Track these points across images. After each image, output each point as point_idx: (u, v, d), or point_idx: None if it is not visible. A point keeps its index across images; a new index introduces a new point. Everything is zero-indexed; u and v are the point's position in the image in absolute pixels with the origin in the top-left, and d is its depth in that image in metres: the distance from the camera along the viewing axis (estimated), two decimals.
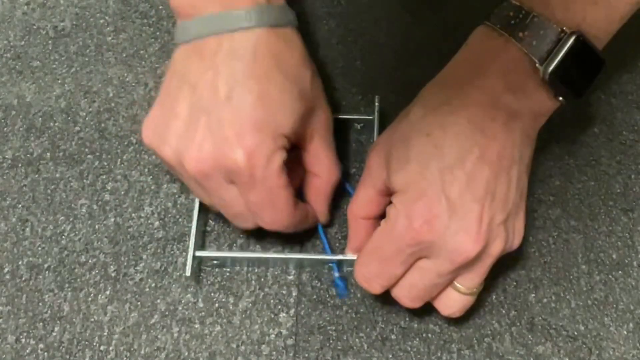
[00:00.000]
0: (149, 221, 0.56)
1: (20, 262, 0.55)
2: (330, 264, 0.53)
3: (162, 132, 0.48)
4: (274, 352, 0.52)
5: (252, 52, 0.46)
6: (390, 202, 0.47)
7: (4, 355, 0.52)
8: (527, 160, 0.48)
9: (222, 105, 0.46)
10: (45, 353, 0.52)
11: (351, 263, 0.53)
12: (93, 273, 0.55)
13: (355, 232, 0.52)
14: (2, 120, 0.61)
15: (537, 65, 0.45)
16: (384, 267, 0.48)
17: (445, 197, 0.44)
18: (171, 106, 0.48)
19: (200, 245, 0.55)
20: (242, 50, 0.46)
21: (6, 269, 0.55)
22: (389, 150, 0.48)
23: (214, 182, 0.48)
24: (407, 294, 0.48)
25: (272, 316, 0.53)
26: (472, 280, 0.48)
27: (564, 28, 0.44)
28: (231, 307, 0.53)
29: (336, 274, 0.53)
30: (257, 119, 0.46)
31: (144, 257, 0.55)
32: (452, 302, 0.49)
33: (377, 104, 0.57)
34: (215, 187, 0.48)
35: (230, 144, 0.46)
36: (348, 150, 0.58)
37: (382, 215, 0.49)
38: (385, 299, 0.53)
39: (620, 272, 0.54)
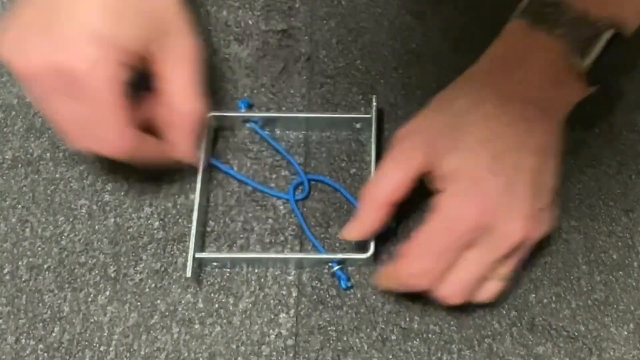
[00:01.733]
0: (149, 222, 0.56)
1: (20, 263, 0.55)
2: (331, 264, 0.53)
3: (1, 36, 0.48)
4: (274, 353, 0.52)
5: None
6: (433, 195, 0.48)
7: (4, 356, 0.52)
8: (560, 146, 0.50)
9: (66, 13, 0.46)
10: (45, 354, 0.52)
11: (352, 262, 0.53)
12: (93, 273, 0.55)
13: (368, 216, 0.50)
14: (2, 121, 0.61)
15: (575, 59, 0.46)
16: (438, 260, 0.47)
17: (496, 184, 0.46)
18: (20, 12, 0.48)
19: (200, 245, 0.55)
20: None
21: (6, 270, 0.55)
22: (431, 137, 0.48)
23: (45, 88, 0.47)
24: (454, 290, 0.48)
25: (272, 317, 0.53)
26: (509, 266, 0.48)
27: (601, 23, 0.46)
28: (231, 308, 0.53)
29: (335, 267, 0.53)
30: (98, 29, 0.46)
31: (144, 257, 0.55)
32: (488, 290, 0.49)
33: (375, 103, 0.57)
34: (46, 95, 0.47)
35: (67, 51, 0.45)
36: (347, 150, 0.58)
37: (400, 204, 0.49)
38: (386, 300, 0.53)
39: (620, 272, 0.54)
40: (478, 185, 0.46)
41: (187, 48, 0.51)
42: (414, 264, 0.48)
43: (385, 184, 0.49)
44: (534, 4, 0.48)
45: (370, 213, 0.50)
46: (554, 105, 0.48)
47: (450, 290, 0.48)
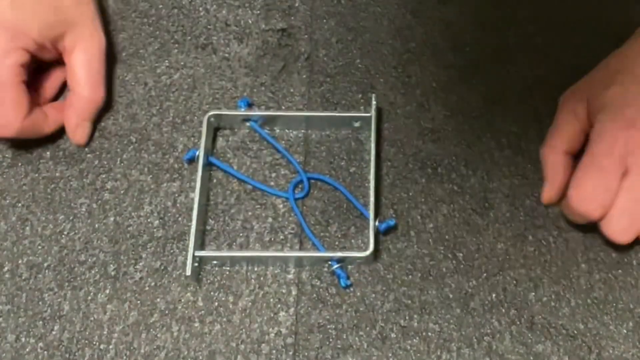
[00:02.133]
0: (149, 220, 0.56)
1: (20, 261, 0.55)
2: (330, 262, 0.53)
3: None
4: (274, 351, 0.52)
5: None
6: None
7: (4, 354, 0.52)
8: None
9: None
10: (45, 352, 0.52)
11: (352, 260, 0.53)
12: (93, 272, 0.55)
13: (555, 169, 0.54)
14: None
15: None
16: (599, 179, 0.50)
17: None
18: None
19: (200, 244, 0.55)
20: None
21: (6, 268, 0.55)
22: (589, 83, 0.53)
23: None
24: (620, 222, 0.50)
25: (272, 315, 0.53)
26: None
27: None
28: (231, 306, 0.53)
29: (335, 265, 0.53)
30: (2, 18, 0.53)
31: (144, 256, 0.55)
32: None
33: (374, 102, 0.57)
34: None
35: None
36: (347, 149, 0.58)
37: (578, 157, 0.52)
38: (385, 298, 0.53)
39: (620, 270, 0.54)
40: (626, 109, 0.49)
41: (91, 39, 0.58)
42: (578, 190, 0.50)
43: (561, 133, 0.54)
44: None
45: (556, 164, 0.54)
46: None
47: (619, 223, 0.50)
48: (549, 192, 0.54)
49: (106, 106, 0.61)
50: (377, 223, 0.54)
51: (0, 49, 0.53)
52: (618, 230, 0.50)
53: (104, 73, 0.59)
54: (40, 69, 0.58)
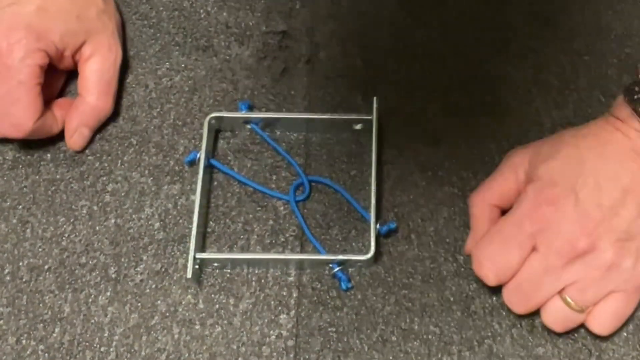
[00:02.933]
0: (150, 222, 0.56)
1: (20, 264, 0.55)
2: (331, 265, 0.54)
3: None
4: (275, 354, 0.52)
5: None
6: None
7: (5, 357, 0.52)
8: None
9: (6, 8, 0.55)
10: (46, 354, 0.52)
11: (352, 263, 0.53)
12: (93, 274, 0.55)
13: (480, 220, 0.53)
14: None
15: None
16: (501, 248, 0.49)
17: (574, 194, 0.48)
18: None
19: (201, 246, 0.55)
20: None
21: (6, 270, 0.55)
22: (536, 148, 0.52)
23: None
24: (516, 294, 0.49)
25: (273, 317, 0.53)
26: (581, 293, 0.48)
27: None
28: (232, 309, 0.53)
29: (336, 268, 0.53)
30: (27, 21, 0.55)
31: (145, 258, 0.55)
32: (554, 312, 0.49)
33: (375, 105, 0.57)
34: None
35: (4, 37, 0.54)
36: (348, 152, 0.58)
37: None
38: (386, 301, 0.53)
39: None
40: (554, 188, 0.48)
41: (108, 51, 0.59)
42: (480, 251, 0.50)
43: (495, 186, 0.53)
44: (632, 81, 0.50)
45: (482, 215, 0.53)
46: None
47: (511, 293, 0.50)
48: (469, 244, 0.53)
49: None
50: (377, 226, 0.54)
51: (25, 49, 0.54)
52: (513, 301, 0.50)
53: (115, 86, 0.60)
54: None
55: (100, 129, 0.60)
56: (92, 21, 0.58)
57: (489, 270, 0.49)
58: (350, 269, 0.54)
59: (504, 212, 0.52)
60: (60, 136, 0.59)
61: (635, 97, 0.49)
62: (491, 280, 0.49)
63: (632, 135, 0.49)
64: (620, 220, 0.48)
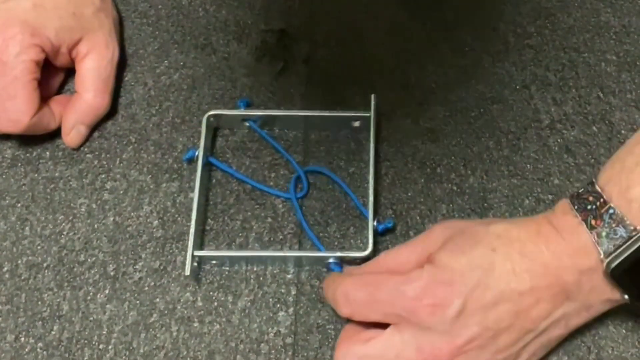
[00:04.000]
0: (148, 220, 0.56)
1: (19, 261, 0.55)
2: (331, 267, 0.53)
3: None
4: (273, 351, 0.52)
5: None
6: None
7: (3, 354, 0.52)
8: (545, 339, 0.47)
9: (1, 4, 0.55)
10: (45, 352, 0.52)
11: (350, 260, 0.53)
12: (92, 272, 0.55)
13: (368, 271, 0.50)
14: None
15: (601, 257, 0.44)
16: (367, 304, 0.47)
17: (463, 302, 0.45)
18: None
19: (199, 244, 0.55)
20: None
21: (5, 268, 0.55)
22: (454, 234, 0.48)
23: None
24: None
25: (271, 315, 0.53)
26: None
27: (638, 227, 0.43)
28: (230, 306, 0.53)
29: (331, 260, 0.53)
30: (22, 18, 0.55)
31: (143, 256, 0.55)
32: None
33: (373, 102, 0.57)
34: None
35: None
36: (346, 149, 0.58)
37: None
38: None
39: None
40: (446, 287, 0.45)
41: (105, 48, 0.59)
42: (349, 286, 0.48)
43: (399, 255, 0.50)
44: (583, 190, 0.46)
45: (371, 271, 0.51)
46: (570, 297, 0.45)
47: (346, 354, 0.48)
48: (332, 282, 0.50)
49: None
50: (375, 223, 0.54)
51: (20, 44, 0.54)
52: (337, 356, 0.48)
53: (112, 83, 0.59)
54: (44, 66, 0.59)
55: (99, 126, 0.60)
56: (89, 19, 0.58)
57: (345, 307, 0.48)
58: (349, 266, 0.54)
59: None
60: (58, 134, 0.59)
61: (589, 207, 0.44)
62: (341, 313, 0.48)
63: (564, 259, 0.45)
64: (493, 344, 0.45)
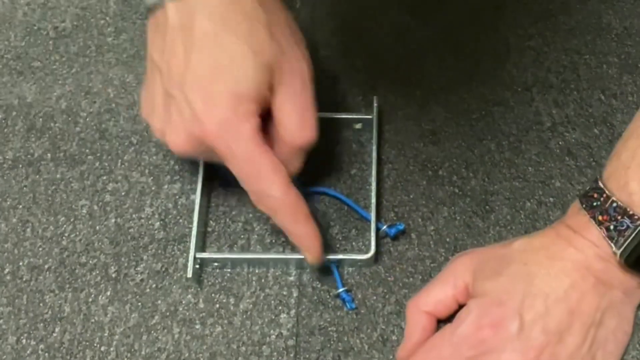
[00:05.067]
0: (150, 222, 0.56)
1: (20, 263, 0.55)
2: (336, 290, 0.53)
3: (150, 114, 0.50)
4: (275, 353, 0.52)
5: (192, 19, 0.46)
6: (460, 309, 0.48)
7: (5, 356, 0.52)
8: (607, 330, 0.47)
9: (182, 86, 0.46)
10: (46, 354, 0.52)
11: (353, 262, 0.53)
12: (94, 274, 0.55)
13: (413, 328, 0.50)
14: (3, 121, 0.61)
15: (613, 249, 0.46)
16: None
17: (519, 315, 0.46)
18: (151, 89, 0.49)
19: (201, 246, 0.55)
20: (185, 22, 0.46)
21: (7, 270, 0.55)
22: (482, 261, 0.49)
23: (207, 156, 0.50)
24: None
25: (273, 317, 0.53)
26: None
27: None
28: (232, 308, 0.53)
29: (340, 289, 0.53)
30: (214, 92, 0.46)
31: (145, 257, 0.55)
32: None
33: (375, 104, 0.57)
34: (211, 160, 0.50)
35: (196, 124, 0.46)
36: (348, 151, 0.58)
37: (444, 321, 0.50)
38: (386, 301, 0.53)
39: None
40: (498, 308, 0.46)
41: (299, 75, 0.49)
42: None
43: (433, 295, 0.50)
44: (589, 188, 0.48)
45: (416, 322, 0.50)
46: (606, 284, 0.47)
47: None
48: (400, 353, 0.50)
49: (107, 108, 0.61)
50: (385, 228, 0.54)
51: (233, 125, 0.46)
52: None
53: (313, 106, 0.50)
54: None
55: (100, 128, 0.60)
56: (270, 43, 0.47)
57: None
58: (350, 268, 0.54)
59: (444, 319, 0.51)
60: (59, 135, 0.59)
61: (595, 204, 0.46)
62: None
63: (587, 251, 0.47)
64: (563, 348, 0.46)
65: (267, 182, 0.48)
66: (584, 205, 0.47)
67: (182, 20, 0.46)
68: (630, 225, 0.45)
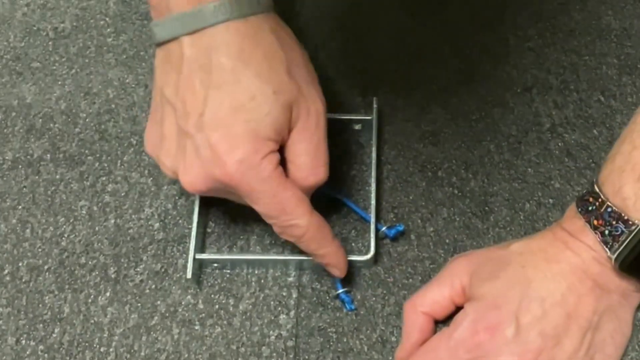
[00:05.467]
0: (149, 223, 0.56)
1: (20, 264, 0.55)
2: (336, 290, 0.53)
3: (158, 150, 0.48)
4: (274, 354, 0.52)
5: (209, 54, 0.44)
6: (458, 311, 0.48)
7: (4, 357, 0.52)
8: (605, 333, 0.47)
9: (200, 125, 0.45)
10: (46, 354, 0.52)
11: (351, 263, 0.53)
12: (93, 274, 0.55)
13: (410, 328, 0.50)
14: (2, 122, 0.61)
15: (608, 254, 0.46)
16: None
17: (515, 319, 0.46)
18: (160, 124, 0.47)
19: (201, 246, 0.55)
20: (202, 58, 0.44)
21: (6, 271, 0.55)
22: (479, 263, 0.49)
23: (223, 195, 0.49)
24: None
25: (272, 318, 0.53)
26: None
27: (636, 221, 0.44)
28: (231, 309, 0.53)
29: (340, 290, 0.53)
30: (234, 132, 0.44)
31: (144, 258, 0.55)
32: None
33: (375, 105, 0.57)
34: (227, 198, 0.49)
35: (216, 164, 0.45)
36: (347, 152, 0.58)
37: (442, 322, 0.50)
38: (386, 301, 0.53)
39: None
40: (495, 312, 0.46)
41: (315, 116, 0.48)
42: None
43: (430, 296, 0.50)
44: (585, 192, 0.48)
45: (414, 322, 0.50)
46: (604, 287, 0.47)
47: None
48: (399, 353, 0.50)
49: (107, 108, 0.61)
50: (385, 229, 0.54)
51: (253, 165, 0.45)
52: None
53: (325, 146, 0.49)
54: None
55: (100, 129, 0.60)
56: (289, 82, 0.46)
57: None
58: (350, 269, 0.54)
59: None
60: (58, 135, 0.59)
61: (590, 208, 0.46)
62: None
63: (584, 254, 0.47)
64: (560, 351, 0.46)
65: (293, 215, 0.47)
66: (579, 210, 0.47)
67: (199, 55, 0.45)
68: (624, 230, 0.45)
